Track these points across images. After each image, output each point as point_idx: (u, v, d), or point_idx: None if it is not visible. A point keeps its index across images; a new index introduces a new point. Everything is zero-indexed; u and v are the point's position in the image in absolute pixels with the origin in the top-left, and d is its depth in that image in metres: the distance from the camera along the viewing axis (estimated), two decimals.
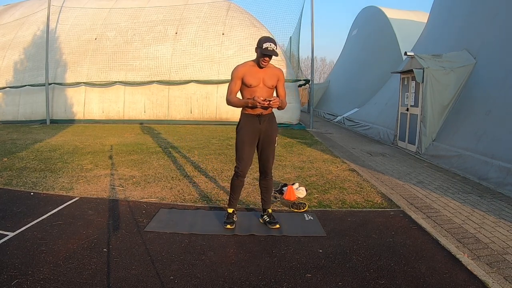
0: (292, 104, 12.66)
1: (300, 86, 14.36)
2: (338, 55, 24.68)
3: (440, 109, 7.37)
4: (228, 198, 3.56)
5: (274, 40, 3.09)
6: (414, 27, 14.07)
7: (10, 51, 14.25)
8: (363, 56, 17.21)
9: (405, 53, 8.12)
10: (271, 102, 3.07)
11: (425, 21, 11.73)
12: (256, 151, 3.39)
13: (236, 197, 3.45)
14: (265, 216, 3.49)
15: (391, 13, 16.09)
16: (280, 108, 3.24)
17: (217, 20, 13.29)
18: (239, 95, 3.27)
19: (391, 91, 10.82)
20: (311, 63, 13.38)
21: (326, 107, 19.40)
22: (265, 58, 3.10)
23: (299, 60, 16.95)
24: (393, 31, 14.92)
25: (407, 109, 8.33)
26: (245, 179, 3.41)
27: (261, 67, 3.17)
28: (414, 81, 7.92)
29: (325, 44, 71.50)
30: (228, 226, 3.35)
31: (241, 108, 3.32)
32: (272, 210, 3.56)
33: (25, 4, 16.11)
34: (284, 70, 12.36)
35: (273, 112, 3.35)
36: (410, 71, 7.90)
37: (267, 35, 3.17)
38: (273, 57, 3.09)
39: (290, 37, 15.59)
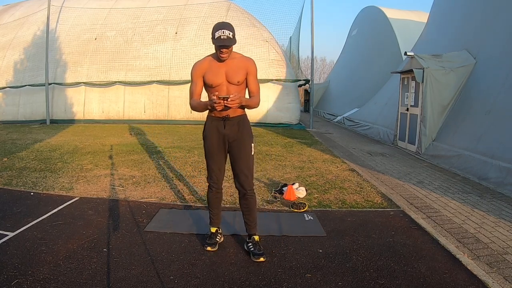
0: (292, 104, 12.67)
1: (300, 86, 14.36)
2: (338, 55, 24.69)
3: (440, 109, 7.37)
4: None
5: (228, 25, 2.57)
6: (414, 27, 14.08)
7: (10, 51, 14.25)
8: (363, 56, 17.22)
9: (405, 53, 8.12)
10: (228, 99, 2.50)
11: (425, 21, 11.73)
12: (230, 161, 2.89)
13: (215, 212, 2.98)
14: (250, 244, 2.86)
15: (391, 13, 16.10)
16: (248, 107, 2.74)
17: (217, 20, 13.11)
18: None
19: (391, 91, 10.82)
20: (311, 63, 13.37)
21: (326, 107, 19.41)
22: (221, 50, 2.58)
23: (299, 60, 16.97)
24: (393, 31, 14.92)
25: (407, 109, 8.33)
26: (222, 190, 3.00)
27: (222, 61, 2.67)
28: (414, 81, 7.92)
29: (325, 44, 71.54)
30: (209, 248, 2.87)
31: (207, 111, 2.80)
32: (273, 209, 3.50)
33: (25, 4, 16.11)
34: (284, 70, 12.38)
35: (245, 115, 2.83)
36: (410, 71, 7.90)
37: (221, 21, 2.63)
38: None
39: (290, 37, 15.61)
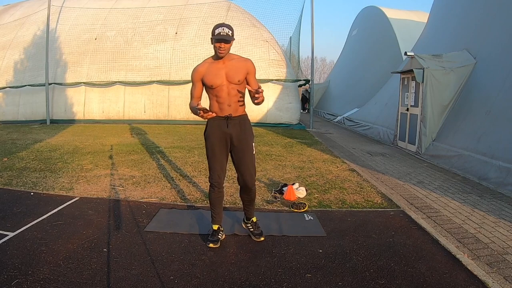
0: (292, 104, 12.66)
1: (300, 86, 14.37)
2: (338, 55, 24.71)
3: (440, 109, 7.37)
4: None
5: (227, 25, 2.75)
6: (414, 27, 14.08)
7: (10, 51, 14.25)
8: (363, 56, 17.21)
9: (405, 53, 8.12)
10: (209, 112, 2.64)
11: (425, 21, 11.73)
12: (232, 160, 3.00)
13: (218, 211, 3.04)
14: (249, 225, 3.18)
15: (391, 13, 16.10)
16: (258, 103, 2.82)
17: (217, 20, 13.24)
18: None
19: (391, 91, 10.82)
20: (311, 63, 13.37)
21: (326, 107, 19.41)
22: (220, 45, 2.69)
23: (299, 60, 16.97)
24: (393, 31, 14.92)
25: (407, 109, 8.33)
26: (223, 189, 3.04)
27: (220, 58, 2.78)
28: (414, 81, 7.92)
29: (325, 44, 71.60)
30: (211, 245, 2.94)
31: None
32: (273, 209, 3.52)
33: (25, 4, 16.10)
34: (284, 70, 12.38)
35: (246, 114, 2.95)
36: (410, 71, 7.90)
37: (220, 22, 2.84)
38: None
39: (290, 37, 15.62)
